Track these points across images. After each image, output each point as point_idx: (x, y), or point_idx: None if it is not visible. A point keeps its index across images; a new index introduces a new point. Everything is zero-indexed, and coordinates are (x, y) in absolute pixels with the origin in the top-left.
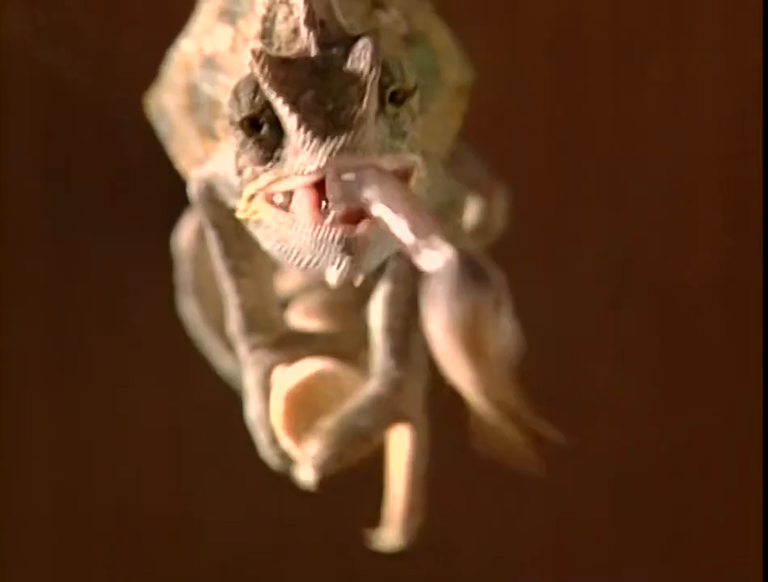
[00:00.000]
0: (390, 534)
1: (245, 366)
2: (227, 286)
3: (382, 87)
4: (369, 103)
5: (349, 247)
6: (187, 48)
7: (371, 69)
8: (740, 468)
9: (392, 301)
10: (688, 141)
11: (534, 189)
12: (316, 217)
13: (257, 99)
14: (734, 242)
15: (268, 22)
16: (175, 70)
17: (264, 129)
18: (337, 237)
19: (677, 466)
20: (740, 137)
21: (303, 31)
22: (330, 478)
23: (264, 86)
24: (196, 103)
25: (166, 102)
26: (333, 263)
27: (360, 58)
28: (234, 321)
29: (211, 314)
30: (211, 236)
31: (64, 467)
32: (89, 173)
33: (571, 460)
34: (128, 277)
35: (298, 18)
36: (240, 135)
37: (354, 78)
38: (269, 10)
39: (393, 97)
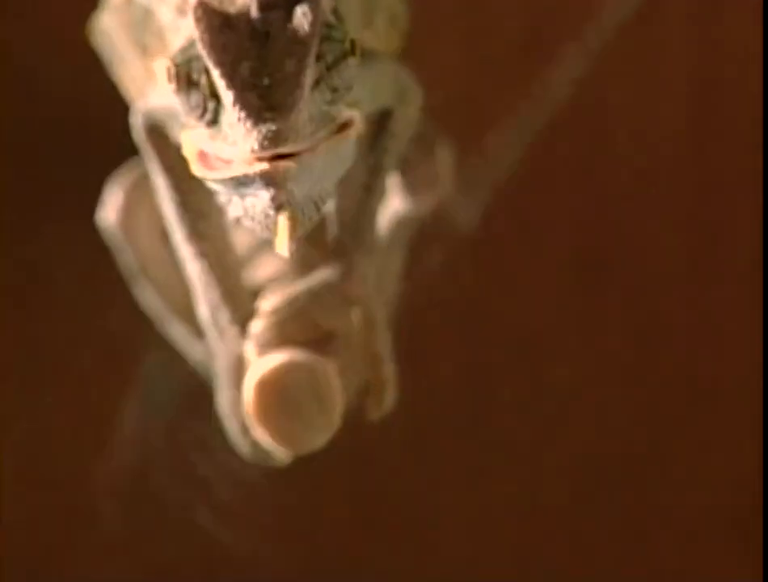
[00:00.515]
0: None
1: (215, 353)
2: (187, 254)
3: (331, 45)
4: (306, 76)
5: (272, 180)
6: None
7: (309, 39)
8: (727, 461)
9: (344, 188)
10: (663, 128)
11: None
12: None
13: (197, 57)
14: (706, 229)
15: None
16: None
17: (200, 87)
18: (259, 172)
19: (654, 462)
20: (710, 125)
21: None
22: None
23: (203, 53)
24: (133, 18)
25: (106, 22)
26: (260, 196)
27: (300, 25)
28: (199, 300)
29: (171, 296)
30: (161, 185)
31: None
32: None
33: (542, 456)
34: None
35: None
36: (176, 83)
37: (292, 48)
38: None
39: (334, 62)
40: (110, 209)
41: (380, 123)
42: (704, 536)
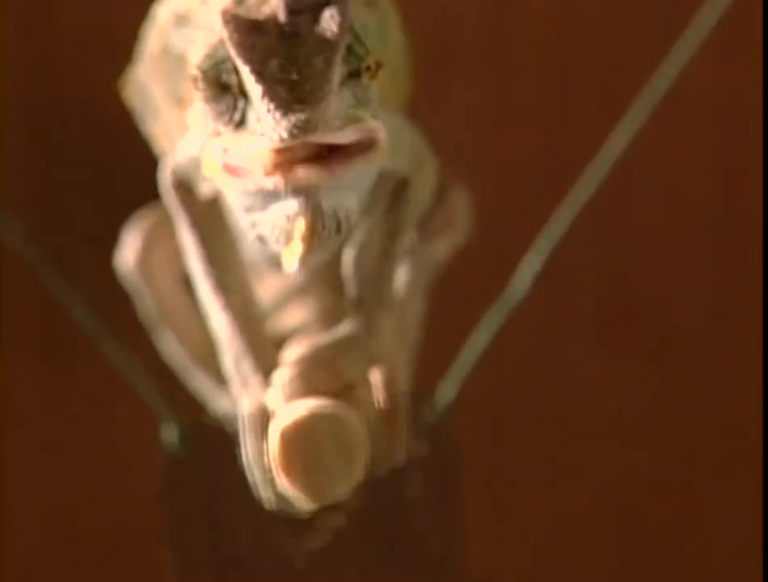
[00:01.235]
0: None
1: (239, 402)
2: (212, 305)
3: (353, 58)
4: (334, 74)
5: (297, 189)
6: (162, 13)
7: (337, 39)
8: (735, 488)
9: (363, 249)
10: (681, 158)
11: (526, 206)
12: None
13: (225, 59)
14: (727, 262)
15: None
16: (150, 39)
17: (229, 88)
18: (283, 180)
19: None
20: (734, 153)
21: None
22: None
23: (232, 52)
24: (168, 67)
25: (141, 74)
26: (286, 204)
27: (328, 27)
28: (223, 350)
29: (192, 343)
30: (187, 239)
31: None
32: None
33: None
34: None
35: None
36: (205, 88)
37: (321, 48)
38: None
39: (367, 69)
40: (128, 252)
41: (397, 192)
42: None
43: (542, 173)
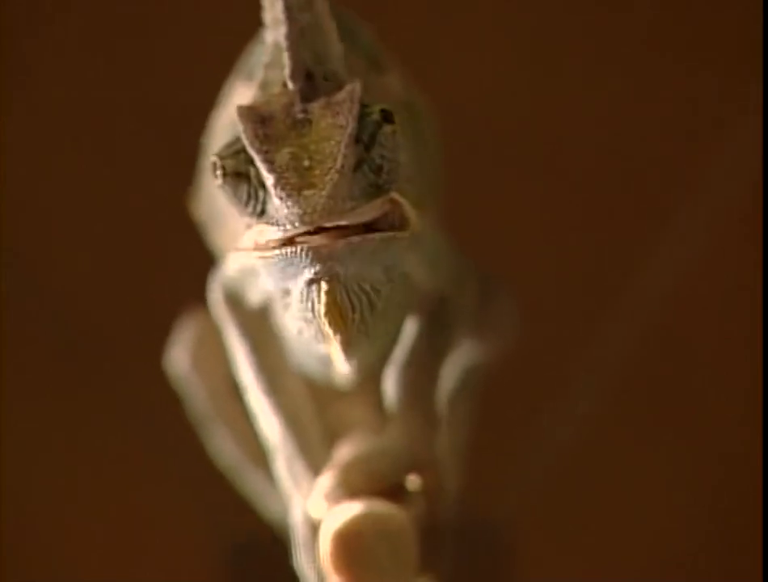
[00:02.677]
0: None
1: (290, 503)
2: (263, 409)
3: (361, 135)
4: (345, 157)
5: (317, 256)
6: (219, 125)
7: (347, 123)
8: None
9: (406, 357)
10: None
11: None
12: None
13: (243, 150)
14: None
15: (269, 69)
16: (210, 148)
17: (248, 178)
18: (304, 249)
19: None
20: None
21: (289, 84)
22: None
23: (246, 143)
24: None
25: (205, 185)
26: (304, 275)
27: (338, 112)
28: (274, 452)
29: (242, 443)
30: (237, 349)
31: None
32: None
33: None
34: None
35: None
36: (221, 175)
37: (332, 133)
38: (272, 57)
39: (370, 139)
40: (179, 351)
41: (438, 312)
42: None
43: (590, 276)
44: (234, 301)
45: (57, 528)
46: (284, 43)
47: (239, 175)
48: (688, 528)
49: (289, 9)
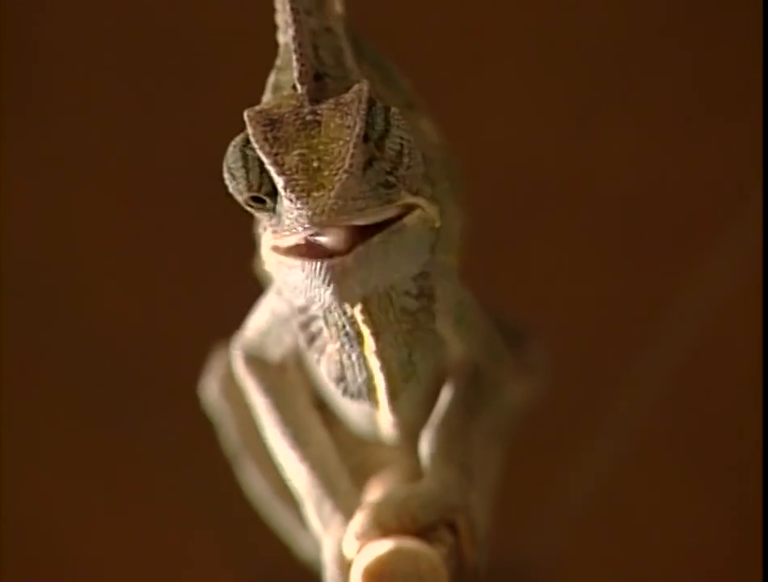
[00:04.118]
0: None
1: (320, 542)
2: (290, 459)
3: (370, 134)
4: (353, 156)
5: (332, 275)
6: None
7: (355, 122)
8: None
9: (442, 419)
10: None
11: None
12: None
13: (253, 171)
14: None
15: (280, 72)
16: None
17: (266, 192)
18: (318, 267)
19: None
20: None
21: (298, 87)
22: None
23: (256, 148)
24: None
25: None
26: (321, 293)
27: (347, 113)
28: (303, 495)
29: (274, 479)
30: (261, 407)
31: None
32: None
33: None
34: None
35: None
36: (252, 210)
37: (340, 133)
38: (282, 59)
39: (380, 136)
40: (213, 379)
41: (474, 379)
42: None
43: (619, 322)
44: (255, 361)
45: (83, 561)
46: (292, 44)
47: (257, 195)
48: (727, 569)
49: (297, 11)
